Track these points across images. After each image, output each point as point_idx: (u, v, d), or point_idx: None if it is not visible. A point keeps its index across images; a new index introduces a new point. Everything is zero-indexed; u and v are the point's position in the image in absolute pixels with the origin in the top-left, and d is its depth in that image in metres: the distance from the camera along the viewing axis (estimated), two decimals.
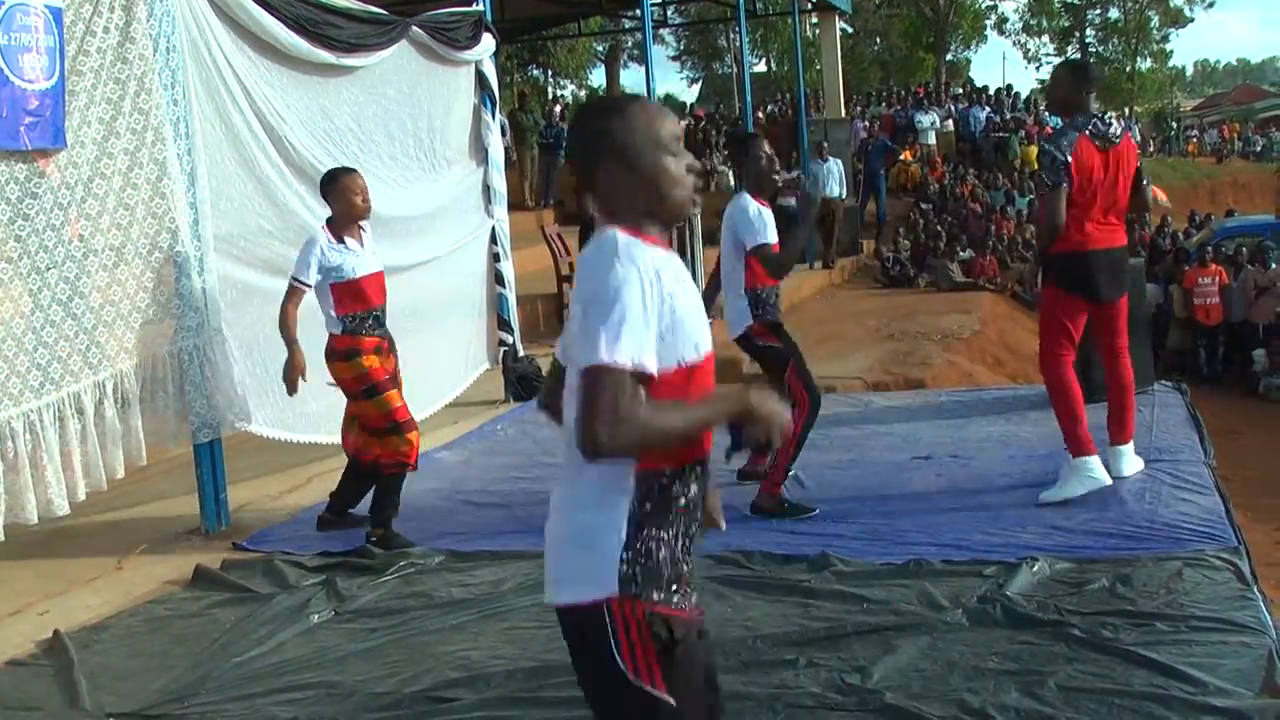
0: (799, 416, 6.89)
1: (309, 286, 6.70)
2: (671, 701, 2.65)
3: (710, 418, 2.65)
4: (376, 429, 6.89)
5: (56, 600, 6.32)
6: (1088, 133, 6.67)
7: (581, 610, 2.68)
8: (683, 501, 2.74)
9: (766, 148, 7.30)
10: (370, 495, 7.03)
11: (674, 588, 2.71)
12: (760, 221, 6.93)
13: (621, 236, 2.69)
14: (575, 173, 2.86)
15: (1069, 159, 6.60)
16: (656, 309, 2.61)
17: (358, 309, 6.78)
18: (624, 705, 2.68)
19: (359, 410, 6.94)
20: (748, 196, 7.01)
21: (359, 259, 6.77)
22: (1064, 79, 7.08)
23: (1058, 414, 6.94)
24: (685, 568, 2.77)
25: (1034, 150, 31.72)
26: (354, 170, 6.98)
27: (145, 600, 6.27)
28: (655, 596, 2.66)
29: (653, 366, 2.57)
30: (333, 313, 6.75)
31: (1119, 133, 6.80)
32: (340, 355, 6.80)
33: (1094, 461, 6.73)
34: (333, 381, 6.90)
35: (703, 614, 2.82)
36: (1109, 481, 6.72)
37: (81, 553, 7.05)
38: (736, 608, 5.54)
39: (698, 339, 2.72)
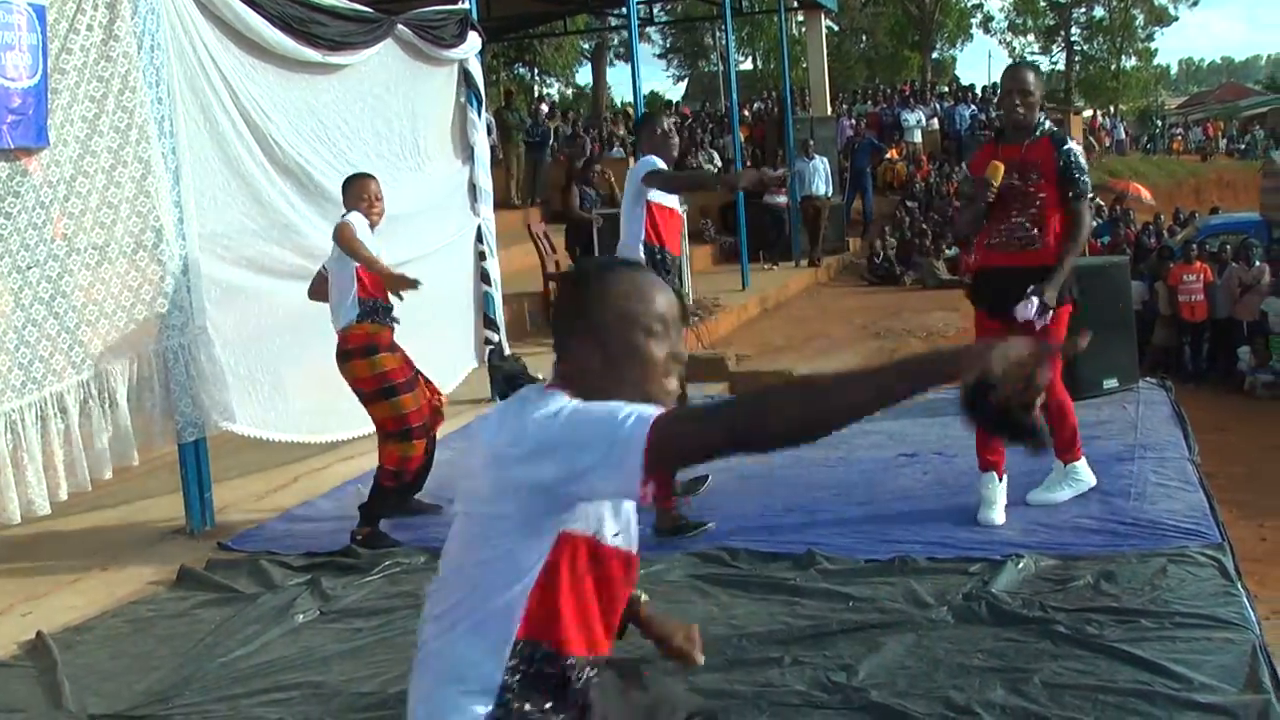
0: None
1: (357, 224, 6.63)
2: None
3: (915, 375, 2.22)
4: (388, 431, 6.85)
5: (40, 601, 6.29)
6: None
7: None
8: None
9: (667, 123, 7.29)
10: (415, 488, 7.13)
11: None
12: (650, 161, 6.91)
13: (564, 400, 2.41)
14: (557, 332, 2.56)
15: None
16: None
17: (379, 296, 6.76)
18: None
19: (372, 410, 6.89)
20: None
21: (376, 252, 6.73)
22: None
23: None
24: None
25: None
26: (371, 176, 6.96)
27: (129, 601, 6.25)
28: None
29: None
30: (354, 296, 6.65)
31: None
32: (359, 353, 6.72)
33: (1081, 466, 6.70)
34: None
35: None
36: (1094, 482, 6.71)
37: (65, 553, 7.03)
38: (722, 606, 5.54)
39: (612, 527, 2.51)
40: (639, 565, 2.68)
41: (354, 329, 6.71)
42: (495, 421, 2.48)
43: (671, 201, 7.04)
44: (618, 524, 2.54)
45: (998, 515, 6.36)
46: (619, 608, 2.66)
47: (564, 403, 2.38)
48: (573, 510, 2.41)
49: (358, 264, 6.62)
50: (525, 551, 2.41)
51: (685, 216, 7.31)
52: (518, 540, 2.41)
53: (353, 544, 6.71)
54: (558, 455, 2.30)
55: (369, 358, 6.72)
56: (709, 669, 4.81)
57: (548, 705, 2.49)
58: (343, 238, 6.57)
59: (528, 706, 2.46)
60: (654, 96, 54.94)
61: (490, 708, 2.45)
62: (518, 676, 2.45)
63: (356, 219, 6.64)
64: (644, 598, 2.93)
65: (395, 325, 6.87)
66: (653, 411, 2.26)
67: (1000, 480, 6.45)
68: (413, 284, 6.65)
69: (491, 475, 2.42)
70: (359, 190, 6.82)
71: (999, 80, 6.81)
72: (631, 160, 22.25)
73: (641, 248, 6.89)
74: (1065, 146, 6.34)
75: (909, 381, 2.20)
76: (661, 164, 6.92)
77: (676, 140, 7.31)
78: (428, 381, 7.15)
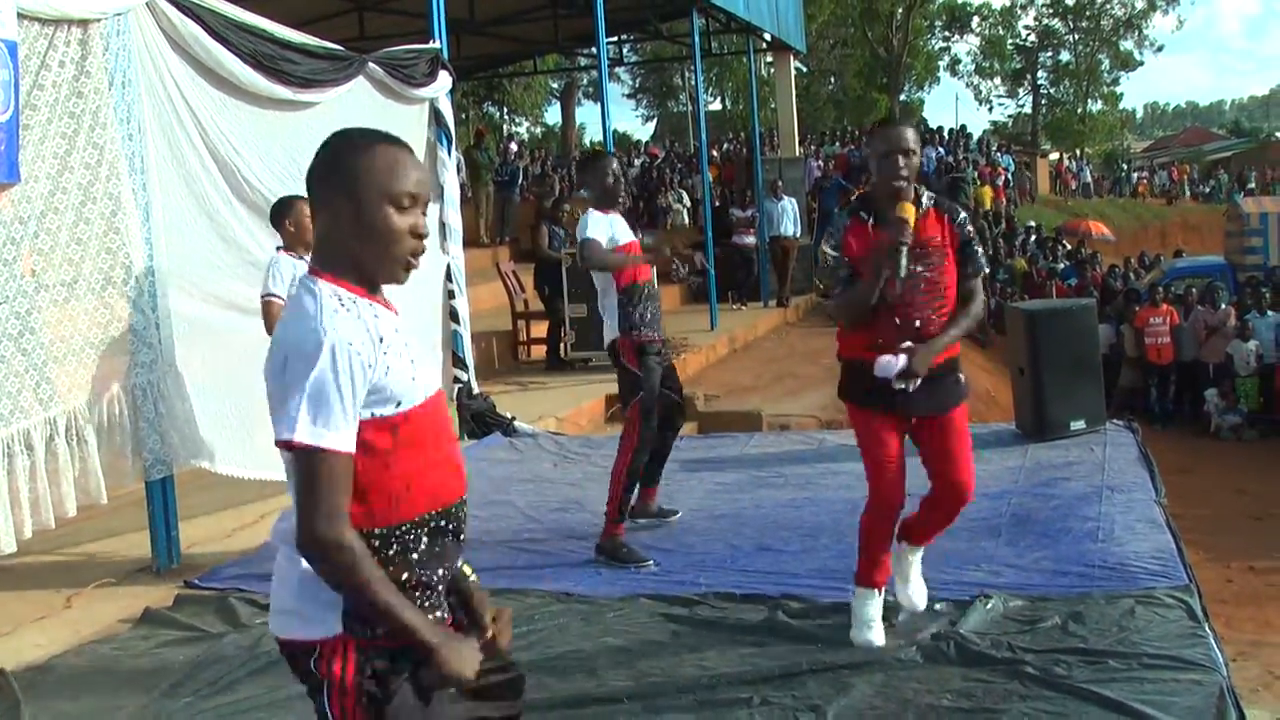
0: (624, 451, 6.90)
1: (282, 298, 6.65)
2: None
3: (406, 624, 2.54)
4: None
5: (3, 639, 6.22)
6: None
7: (298, 646, 2.66)
8: (415, 556, 2.67)
9: (615, 166, 7.25)
10: None
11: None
12: (584, 223, 6.89)
13: (328, 290, 2.61)
14: (310, 202, 2.74)
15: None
16: (355, 379, 2.53)
17: None
18: None
19: None
20: (592, 210, 6.99)
21: None
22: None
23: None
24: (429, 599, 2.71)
25: (987, 192, 32.12)
26: (302, 196, 7.01)
27: (93, 640, 6.18)
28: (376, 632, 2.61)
29: (351, 446, 2.53)
30: None
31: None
32: None
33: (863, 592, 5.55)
34: None
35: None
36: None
37: (29, 590, 6.96)
38: (692, 647, 5.53)
39: (403, 394, 2.63)
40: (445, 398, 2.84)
41: None
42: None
43: (626, 234, 7.03)
44: (409, 371, 2.66)
45: (877, 635, 5.41)
46: (454, 441, 2.83)
47: (283, 346, 2.57)
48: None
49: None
50: None
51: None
52: None
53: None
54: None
55: None
56: (679, 709, 4.82)
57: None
58: (267, 325, 6.70)
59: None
60: (623, 137, 55.13)
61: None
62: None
63: (277, 280, 6.72)
64: (471, 575, 2.97)
65: None
66: (312, 439, 2.48)
67: (880, 596, 5.50)
68: None
69: None
70: (291, 214, 6.89)
71: (871, 139, 5.46)
72: None
73: (616, 294, 6.91)
74: (961, 217, 5.38)
75: (398, 627, 2.55)
76: (594, 232, 6.85)
77: (614, 187, 7.14)
78: None
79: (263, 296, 6.84)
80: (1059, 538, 6.72)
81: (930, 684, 4.91)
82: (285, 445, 2.50)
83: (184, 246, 7.40)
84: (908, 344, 5.12)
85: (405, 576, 2.63)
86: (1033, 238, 29.66)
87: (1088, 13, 63.02)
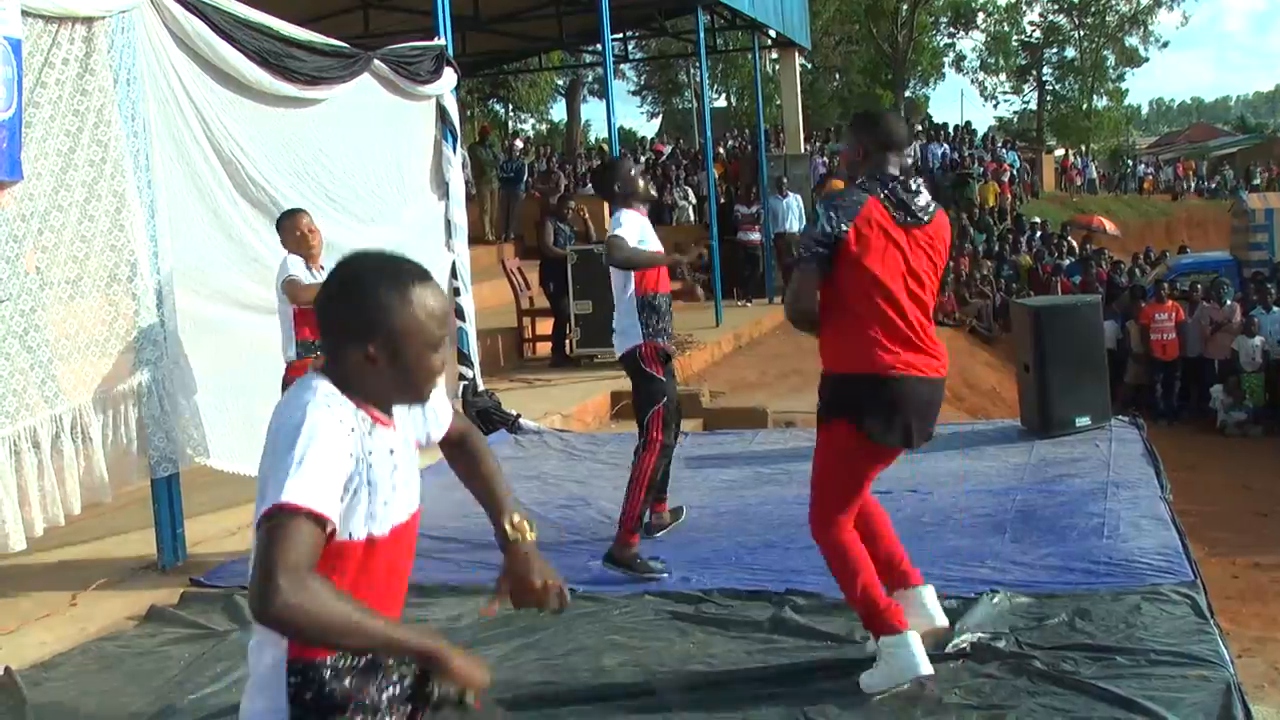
0: (647, 460, 6.77)
1: (299, 277, 6.91)
2: None
3: (396, 642, 2.43)
4: None
5: (9, 637, 6.23)
6: (882, 197, 4.81)
7: None
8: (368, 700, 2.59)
9: (629, 163, 7.32)
10: None
11: None
12: (617, 219, 6.80)
13: (325, 388, 2.55)
14: (323, 329, 2.64)
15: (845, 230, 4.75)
16: (344, 460, 2.47)
17: (315, 336, 6.80)
18: None
19: None
20: (624, 209, 6.91)
21: None
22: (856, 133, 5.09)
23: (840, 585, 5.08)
24: None
25: (993, 188, 32.08)
26: (301, 210, 7.16)
27: (99, 637, 6.19)
28: None
29: (334, 516, 2.42)
30: (292, 334, 6.90)
31: (930, 208, 4.92)
32: None
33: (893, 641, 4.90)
34: None
35: None
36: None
37: (35, 588, 6.96)
38: (699, 644, 5.53)
39: (382, 513, 2.58)
40: (421, 513, 2.77)
41: (296, 364, 6.93)
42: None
43: (655, 242, 6.98)
44: (387, 495, 2.60)
45: (925, 665, 4.82)
46: (407, 572, 2.76)
47: (281, 420, 2.50)
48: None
49: (294, 306, 6.94)
50: None
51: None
52: None
53: None
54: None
55: None
56: (688, 706, 4.81)
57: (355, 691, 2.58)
58: (295, 296, 6.84)
59: (333, 689, 2.57)
60: (628, 133, 55.11)
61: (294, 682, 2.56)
62: (302, 697, 2.55)
63: (295, 270, 6.80)
64: (525, 521, 2.92)
65: None
66: (287, 497, 2.35)
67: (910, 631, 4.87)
68: None
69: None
70: (291, 226, 7.07)
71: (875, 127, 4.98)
72: None
73: (635, 301, 6.86)
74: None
75: (393, 648, 2.46)
76: (624, 232, 6.79)
77: (644, 185, 7.15)
78: None
79: (283, 283, 6.99)
80: (1065, 534, 6.72)
81: (939, 680, 4.89)
82: (270, 513, 2.36)
83: (189, 244, 7.40)
84: None
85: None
86: (1038, 234, 29.59)
87: (1093, 9, 62.78)
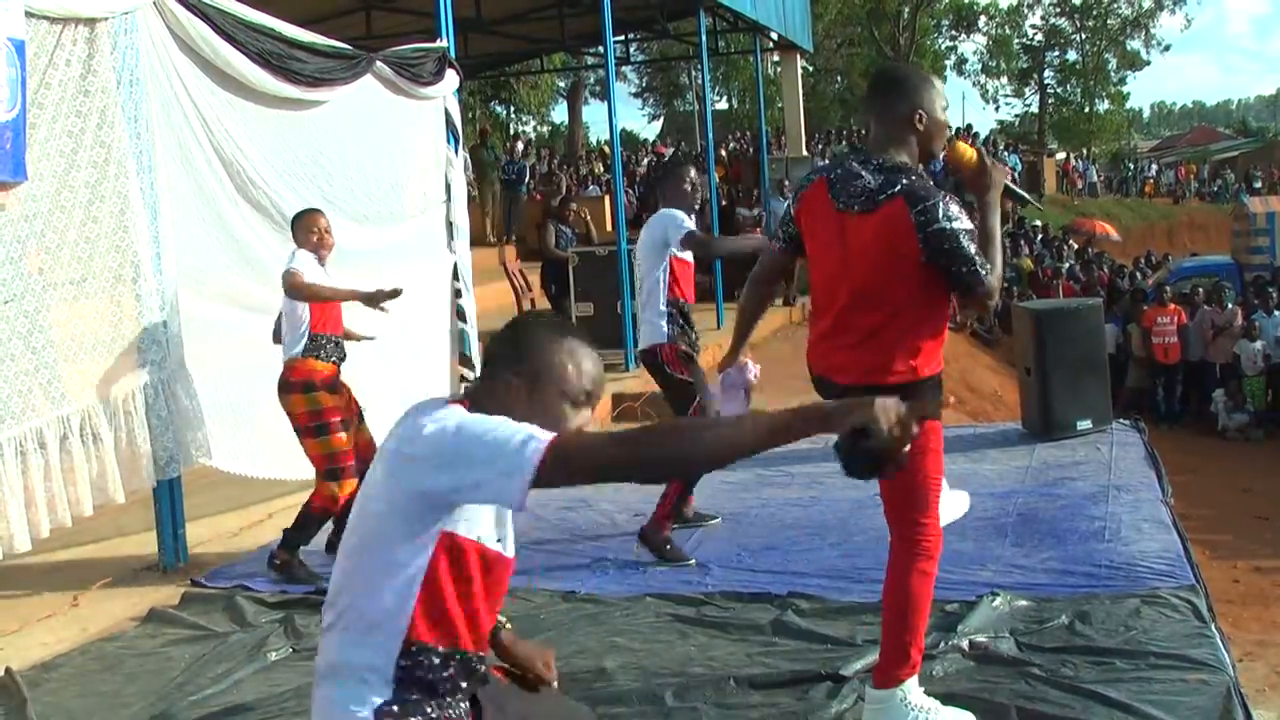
0: None
1: (303, 271, 6.67)
2: None
3: (799, 427, 2.44)
4: (318, 469, 6.85)
5: (10, 637, 6.24)
6: (829, 178, 4.42)
7: None
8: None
9: (694, 174, 7.31)
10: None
11: None
12: (679, 219, 6.98)
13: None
14: (486, 359, 2.82)
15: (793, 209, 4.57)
16: None
17: (329, 330, 6.80)
18: None
19: (305, 446, 6.88)
20: (674, 210, 7.03)
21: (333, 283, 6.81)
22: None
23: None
24: None
25: None
26: (317, 210, 7.05)
27: (100, 638, 6.20)
28: None
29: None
30: (304, 329, 6.71)
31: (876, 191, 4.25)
32: (296, 388, 6.75)
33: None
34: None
35: None
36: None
37: (36, 589, 6.97)
38: (700, 647, 5.53)
39: (506, 538, 2.74)
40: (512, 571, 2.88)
41: (297, 362, 6.78)
42: (395, 426, 2.70)
43: (686, 252, 7.04)
44: (499, 531, 2.74)
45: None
46: (497, 609, 2.85)
47: (457, 415, 2.58)
48: (452, 514, 2.60)
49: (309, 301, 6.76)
50: (406, 553, 2.60)
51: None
52: (399, 541, 2.60)
53: (270, 567, 6.82)
54: (452, 468, 2.51)
55: (306, 393, 6.75)
56: (689, 710, 4.81)
57: (439, 701, 2.67)
58: (296, 289, 6.66)
59: (418, 698, 2.64)
60: (629, 135, 55.11)
61: (382, 702, 2.62)
62: (411, 676, 2.63)
63: (301, 263, 6.69)
64: (506, 624, 3.08)
65: (341, 361, 6.91)
66: (545, 433, 2.46)
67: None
68: (392, 293, 6.76)
69: (380, 473, 2.65)
70: (308, 224, 6.91)
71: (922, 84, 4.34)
72: (608, 200, 22.26)
73: (666, 306, 6.91)
74: None
75: (800, 424, 2.45)
76: (687, 220, 6.88)
77: (701, 194, 7.32)
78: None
79: (283, 274, 6.74)
80: (1066, 537, 6.72)
81: (938, 684, 4.89)
82: (546, 451, 2.44)
83: (192, 245, 7.40)
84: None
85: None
86: (1039, 237, 29.60)
87: (1095, 12, 62.86)
